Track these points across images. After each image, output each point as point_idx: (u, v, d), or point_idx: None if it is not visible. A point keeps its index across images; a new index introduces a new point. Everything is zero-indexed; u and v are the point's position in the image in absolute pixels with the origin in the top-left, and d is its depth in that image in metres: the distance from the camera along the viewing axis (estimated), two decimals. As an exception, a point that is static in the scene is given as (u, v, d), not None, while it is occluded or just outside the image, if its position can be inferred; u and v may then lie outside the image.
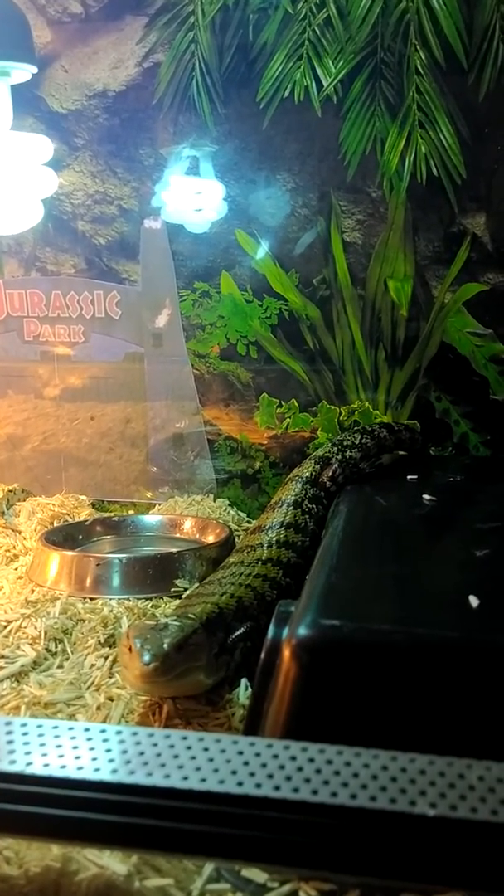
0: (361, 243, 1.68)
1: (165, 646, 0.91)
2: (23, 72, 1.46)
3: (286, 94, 1.63)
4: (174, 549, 1.43)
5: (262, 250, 1.72)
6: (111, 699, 1.02)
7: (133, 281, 1.80)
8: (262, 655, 0.85)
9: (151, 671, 0.90)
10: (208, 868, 0.73)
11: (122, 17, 1.70)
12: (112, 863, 0.71)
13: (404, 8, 1.56)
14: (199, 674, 0.97)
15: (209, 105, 1.67)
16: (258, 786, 0.60)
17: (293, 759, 0.63)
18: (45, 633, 1.16)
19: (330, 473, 1.42)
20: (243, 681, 1.04)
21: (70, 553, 1.40)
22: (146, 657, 0.90)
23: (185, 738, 0.65)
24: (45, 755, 0.63)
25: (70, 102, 1.75)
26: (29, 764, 0.63)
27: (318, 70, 1.61)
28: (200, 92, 1.67)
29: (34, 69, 1.47)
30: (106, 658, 1.12)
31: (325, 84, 1.61)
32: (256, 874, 0.72)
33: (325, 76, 1.61)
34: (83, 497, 1.81)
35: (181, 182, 1.73)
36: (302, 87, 1.62)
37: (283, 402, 1.77)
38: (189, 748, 0.64)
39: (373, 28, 1.58)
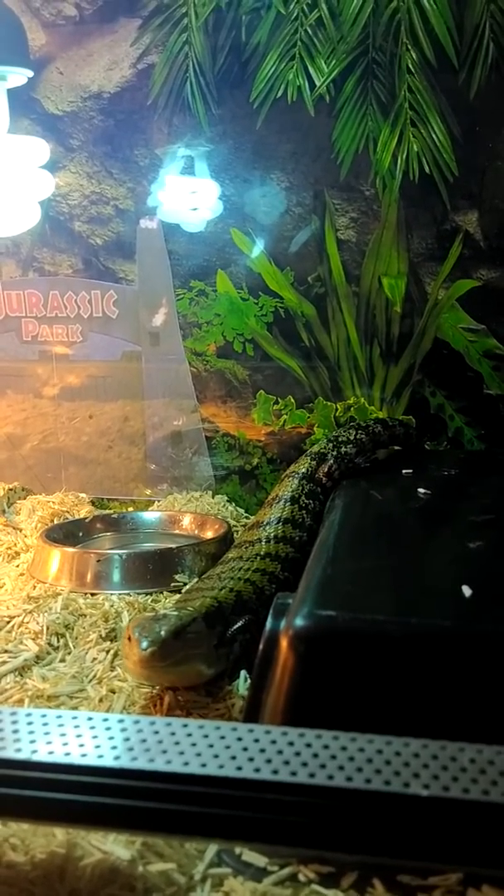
0: (355, 241, 1.70)
1: (163, 633, 0.94)
2: (18, 76, 1.48)
3: (279, 94, 1.65)
4: (173, 545, 1.45)
5: (257, 249, 1.73)
6: (113, 692, 1.04)
7: (130, 280, 1.82)
8: (261, 646, 0.87)
9: (149, 656, 0.92)
10: (210, 852, 0.75)
11: (115, 19, 1.71)
12: (116, 848, 0.73)
13: (395, 7, 1.58)
14: (199, 663, 0.99)
15: (203, 105, 1.69)
16: (257, 770, 0.62)
17: (291, 744, 0.65)
18: (48, 628, 1.18)
19: (326, 469, 1.44)
20: (243, 672, 1.06)
21: (71, 550, 1.42)
22: (143, 643, 0.93)
23: (185, 725, 0.67)
24: (49, 743, 0.65)
25: (65, 104, 1.77)
26: (34, 752, 0.64)
27: (311, 70, 1.63)
28: (194, 93, 1.69)
29: (30, 73, 1.49)
30: (107, 652, 1.14)
31: (317, 84, 1.63)
32: (257, 858, 0.74)
33: (317, 76, 1.63)
34: (83, 495, 1.83)
35: (176, 182, 1.74)
36: (295, 87, 1.64)
37: (279, 399, 1.79)
38: (189, 735, 0.66)
39: (364, 28, 1.59)
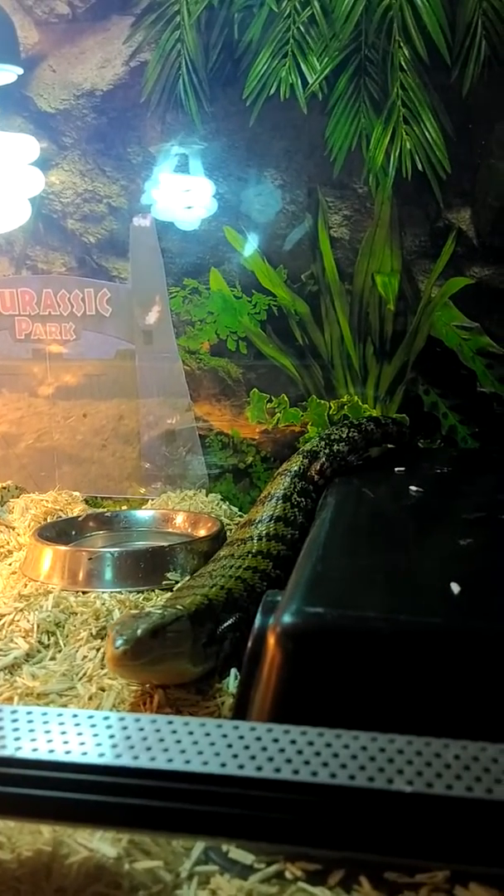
0: (348, 239, 1.70)
1: (139, 632, 0.94)
2: (8, 73, 1.48)
3: (272, 91, 1.65)
4: (165, 543, 1.45)
5: (250, 247, 1.73)
6: (103, 689, 1.04)
7: (123, 278, 1.82)
8: (250, 644, 0.87)
9: (120, 654, 0.92)
10: (197, 850, 0.75)
11: (108, 17, 1.71)
12: (102, 846, 0.72)
13: (387, 5, 1.57)
14: (180, 661, 0.99)
15: (196, 103, 1.69)
16: (241, 767, 0.62)
17: (275, 741, 0.65)
18: (38, 626, 1.17)
19: (318, 467, 1.44)
20: (233, 670, 1.05)
21: (63, 548, 1.42)
22: (118, 642, 0.93)
23: (170, 722, 0.67)
24: (34, 740, 0.65)
25: (58, 102, 1.76)
26: (19, 749, 0.64)
27: (304, 67, 1.63)
28: (187, 90, 1.69)
29: (19, 70, 1.49)
30: (98, 650, 1.13)
31: (310, 81, 1.63)
32: (244, 855, 0.74)
33: (310, 73, 1.63)
34: (76, 493, 1.83)
35: (170, 180, 1.74)
36: (287, 85, 1.64)
37: (273, 398, 1.78)
38: (174, 732, 0.66)
39: (356, 25, 1.59)
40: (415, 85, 1.60)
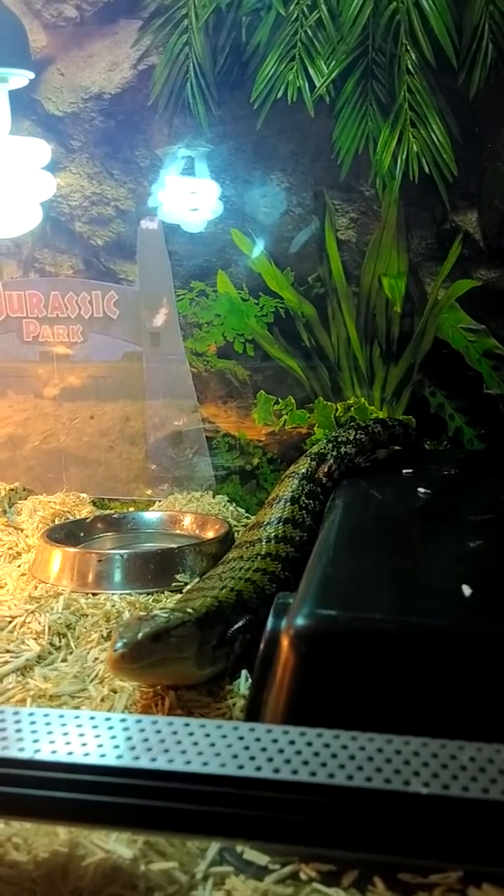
0: (355, 241, 1.70)
1: (139, 635, 0.94)
2: (20, 77, 1.48)
3: (279, 94, 1.65)
4: (174, 545, 1.45)
5: (257, 249, 1.74)
6: (115, 691, 1.05)
7: (130, 281, 1.82)
8: (262, 646, 0.88)
9: (118, 657, 0.93)
10: (212, 851, 0.75)
11: (116, 20, 1.72)
12: (118, 847, 0.73)
13: (395, 8, 1.58)
14: (184, 665, 1.00)
15: (203, 106, 1.69)
16: (258, 769, 0.62)
17: (292, 742, 0.65)
18: (49, 628, 1.18)
19: (326, 469, 1.44)
20: (244, 672, 1.06)
21: (72, 550, 1.43)
22: (118, 644, 0.93)
23: (187, 724, 0.67)
24: (52, 742, 0.66)
25: (66, 105, 1.77)
26: (37, 751, 0.65)
27: (311, 71, 1.63)
28: (195, 93, 1.69)
29: (31, 75, 1.50)
30: (109, 652, 1.14)
31: (317, 84, 1.63)
32: (258, 856, 0.75)
33: (317, 77, 1.63)
34: (84, 495, 1.83)
35: (177, 182, 1.75)
36: (295, 88, 1.64)
37: (280, 399, 1.79)
38: (191, 734, 0.66)
39: (364, 29, 1.60)
40: (422, 88, 1.60)
